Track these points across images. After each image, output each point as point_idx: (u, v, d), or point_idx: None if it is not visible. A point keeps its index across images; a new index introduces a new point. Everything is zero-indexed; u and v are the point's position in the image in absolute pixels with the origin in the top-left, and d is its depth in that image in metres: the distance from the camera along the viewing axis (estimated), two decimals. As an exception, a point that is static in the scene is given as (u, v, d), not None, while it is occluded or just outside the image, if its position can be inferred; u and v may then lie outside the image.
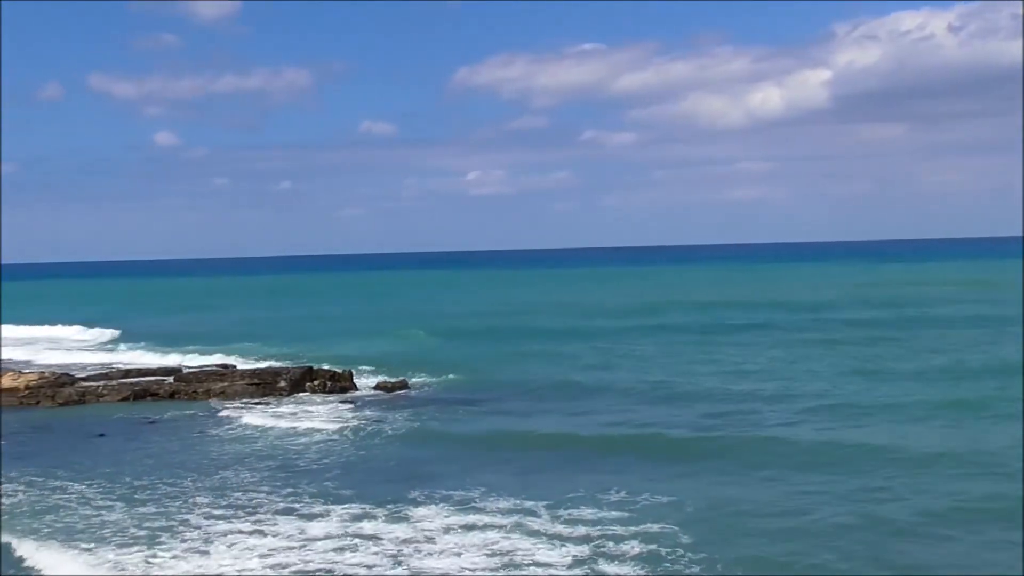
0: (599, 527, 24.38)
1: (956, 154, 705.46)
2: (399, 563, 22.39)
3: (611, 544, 23.06)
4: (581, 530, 24.14)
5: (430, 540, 23.86)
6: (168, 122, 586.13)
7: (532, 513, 25.69)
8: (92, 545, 24.31)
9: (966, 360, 50.98)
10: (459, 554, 22.80)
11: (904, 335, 62.82)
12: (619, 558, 22.24)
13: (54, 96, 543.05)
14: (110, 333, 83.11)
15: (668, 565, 21.85)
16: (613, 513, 25.53)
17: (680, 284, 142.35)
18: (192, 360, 60.96)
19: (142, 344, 72.92)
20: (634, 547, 22.82)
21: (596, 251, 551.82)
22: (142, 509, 27.51)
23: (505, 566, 22.02)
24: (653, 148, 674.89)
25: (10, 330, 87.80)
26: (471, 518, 25.49)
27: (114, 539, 24.78)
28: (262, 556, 23.14)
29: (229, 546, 23.93)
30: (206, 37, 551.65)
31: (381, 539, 24.06)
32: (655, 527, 24.19)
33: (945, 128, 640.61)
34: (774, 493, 27.28)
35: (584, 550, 22.69)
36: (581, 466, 31.07)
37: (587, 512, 25.62)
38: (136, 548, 24.05)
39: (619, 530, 24.07)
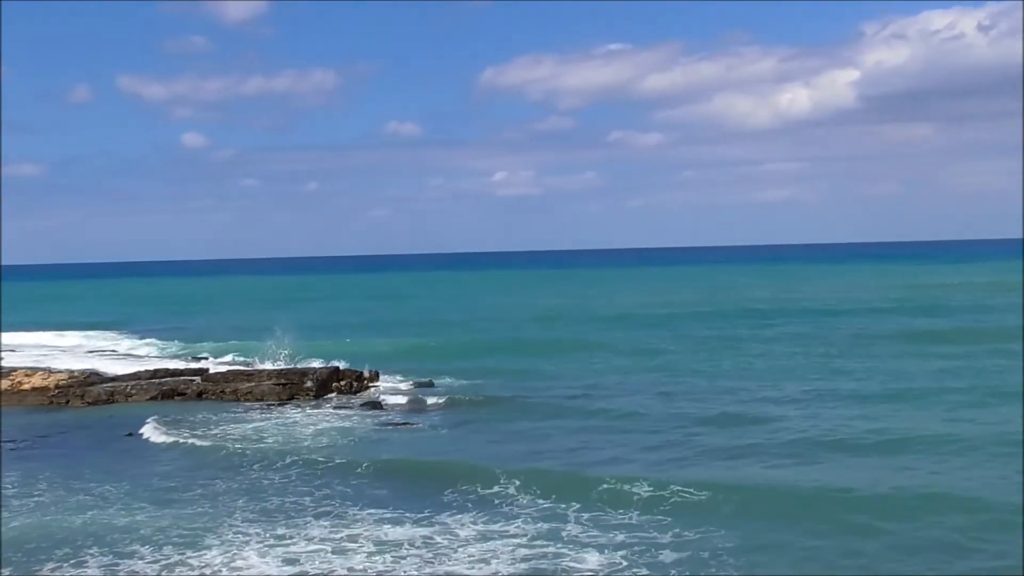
0: (633, 532, 24.14)
1: (986, 155, 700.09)
2: (429, 570, 22.21)
3: (646, 549, 22.82)
4: (615, 536, 23.87)
5: (460, 545, 23.65)
6: (196, 123, 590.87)
7: (563, 518, 25.45)
8: (128, 547, 24.27)
9: (1003, 379, 45.74)
10: (488, 560, 22.58)
11: (943, 347, 58.29)
12: (655, 564, 22.01)
13: (84, 98, 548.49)
14: (137, 333, 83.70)
15: (712, 570, 21.70)
16: (647, 517, 25.27)
17: (708, 286, 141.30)
18: (219, 360, 61.18)
19: (169, 344, 73.33)
20: (669, 554, 22.60)
21: (623, 252, 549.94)
22: (172, 510, 27.47)
23: (536, 572, 21.84)
24: (680, 149, 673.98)
25: (38, 332, 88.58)
26: (502, 523, 25.27)
27: (150, 541, 24.74)
28: (294, 561, 23.00)
29: (260, 551, 23.78)
30: (233, 39, 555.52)
31: (411, 544, 23.86)
32: (690, 533, 23.96)
33: (975, 128, 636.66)
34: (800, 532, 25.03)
35: (617, 557, 22.45)
36: (613, 469, 30.59)
37: (621, 517, 25.36)
38: (171, 548, 24.08)
39: (654, 535, 23.81)
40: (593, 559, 22.33)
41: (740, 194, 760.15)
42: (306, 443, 36.67)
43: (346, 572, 22.19)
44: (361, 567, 22.41)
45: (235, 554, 23.52)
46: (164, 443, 37.67)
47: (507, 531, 24.64)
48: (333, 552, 23.44)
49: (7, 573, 22.81)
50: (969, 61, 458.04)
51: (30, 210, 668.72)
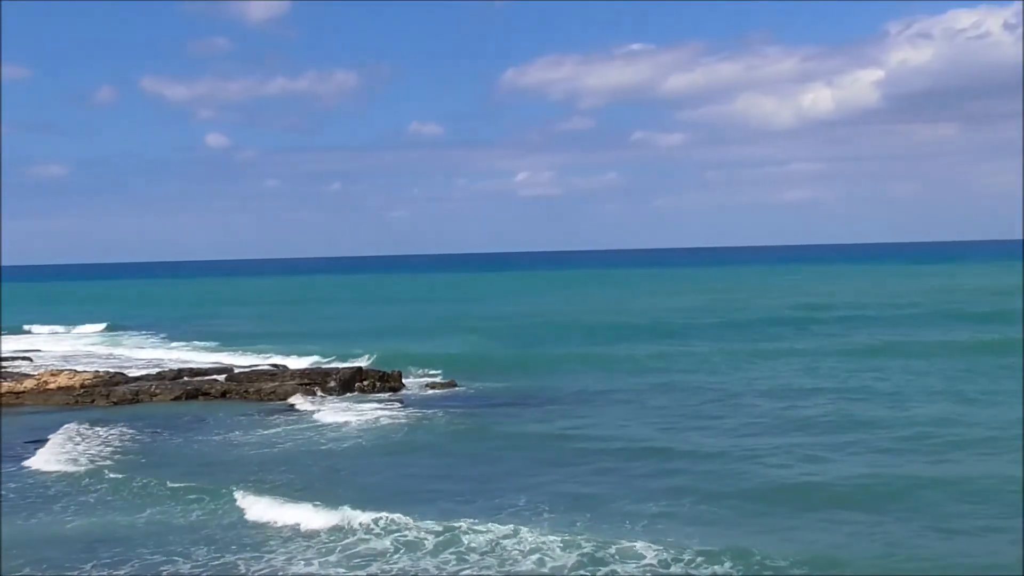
0: (676, 539, 23.78)
1: (1011, 155, 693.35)
2: (496, 571, 21.99)
3: (682, 556, 22.50)
4: (651, 542, 23.39)
5: (514, 547, 23.19)
6: (219, 124, 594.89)
7: (596, 523, 25.04)
8: (181, 547, 24.27)
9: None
10: (546, 555, 22.44)
11: (962, 360, 52.91)
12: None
13: (108, 99, 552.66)
14: (161, 333, 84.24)
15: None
16: (684, 524, 25.06)
17: (733, 287, 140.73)
18: (243, 360, 61.43)
19: (193, 344, 73.69)
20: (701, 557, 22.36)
21: (646, 252, 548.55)
22: (219, 507, 27.52)
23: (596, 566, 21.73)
24: (702, 149, 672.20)
25: (61, 333, 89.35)
26: (539, 525, 24.86)
27: (210, 541, 24.78)
28: (361, 563, 22.74)
29: (320, 550, 23.60)
30: (255, 39, 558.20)
31: (471, 546, 23.45)
32: (726, 534, 23.75)
33: (1000, 128, 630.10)
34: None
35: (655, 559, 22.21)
36: (643, 478, 29.81)
37: (655, 525, 25.02)
38: (232, 547, 24.16)
39: (693, 542, 23.47)
40: (648, 554, 22.15)
41: (763, 194, 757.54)
42: (330, 443, 36.61)
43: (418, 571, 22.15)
44: (431, 567, 22.29)
45: (296, 555, 23.42)
46: (188, 443, 37.87)
47: (545, 533, 24.17)
48: (399, 552, 23.20)
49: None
50: (995, 60, 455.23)
51: (55, 210, 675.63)
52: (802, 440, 34.67)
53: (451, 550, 23.16)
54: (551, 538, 23.32)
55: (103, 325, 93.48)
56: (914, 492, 27.14)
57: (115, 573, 22.58)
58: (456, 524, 24.44)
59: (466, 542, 23.44)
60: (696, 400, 44.10)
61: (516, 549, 22.95)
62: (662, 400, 44.45)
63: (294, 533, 25.01)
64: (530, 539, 23.35)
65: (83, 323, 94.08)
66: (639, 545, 22.64)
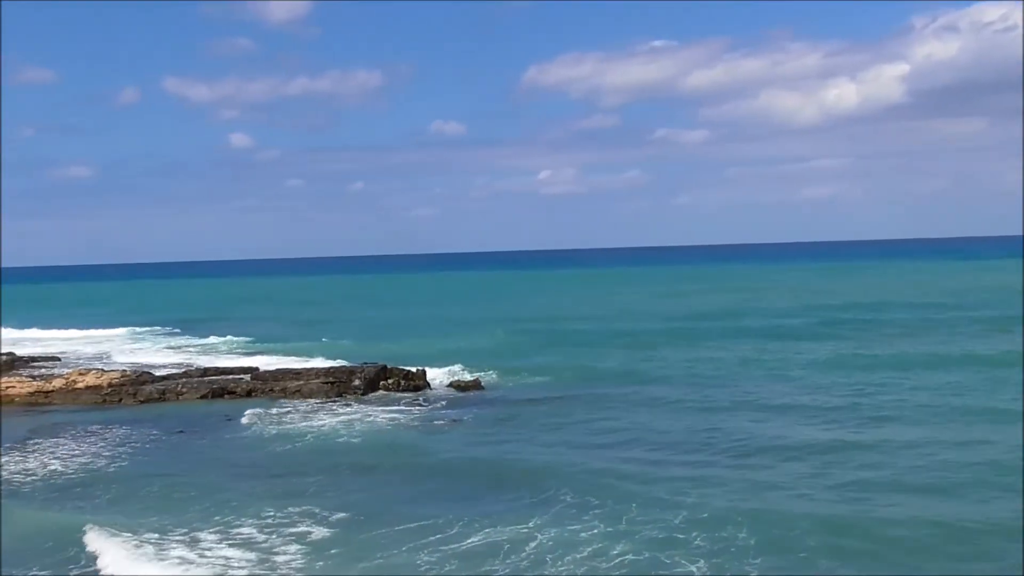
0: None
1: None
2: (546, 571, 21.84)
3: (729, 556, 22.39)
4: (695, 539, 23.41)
5: (554, 549, 23.09)
6: (241, 124, 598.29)
7: (622, 533, 24.62)
8: (186, 549, 24.48)
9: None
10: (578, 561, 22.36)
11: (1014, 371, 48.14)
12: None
13: (131, 100, 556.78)
14: (186, 332, 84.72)
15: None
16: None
17: (757, 285, 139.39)
18: (267, 359, 61.74)
19: (219, 343, 74.11)
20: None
21: (668, 250, 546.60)
22: (230, 508, 27.76)
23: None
24: (725, 146, 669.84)
25: (89, 331, 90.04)
26: (575, 524, 24.89)
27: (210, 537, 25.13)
28: (387, 565, 22.65)
29: (349, 552, 23.48)
30: (277, 40, 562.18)
31: (512, 547, 23.31)
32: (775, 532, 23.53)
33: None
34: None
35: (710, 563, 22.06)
36: (665, 486, 28.82)
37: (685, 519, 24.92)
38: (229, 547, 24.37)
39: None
40: (699, 564, 21.90)
41: (786, 191, 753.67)
42: (354, 440, 36.89)
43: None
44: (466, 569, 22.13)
45: (320, 552, 23.56)
46: (214, 442, 38.12)
47: (583, 533, 24.17)
48: (431, 556, 23.05)
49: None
50: (1022, 53, 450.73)
51: (79, 211, 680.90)
52: (812, 466, 31.20)
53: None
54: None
55: (129, 326, 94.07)
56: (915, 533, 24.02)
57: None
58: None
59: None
60: (718, 414, 40.46)
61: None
62: (686, 413, 41.11)
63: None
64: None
65: (108, 323, 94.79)
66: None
